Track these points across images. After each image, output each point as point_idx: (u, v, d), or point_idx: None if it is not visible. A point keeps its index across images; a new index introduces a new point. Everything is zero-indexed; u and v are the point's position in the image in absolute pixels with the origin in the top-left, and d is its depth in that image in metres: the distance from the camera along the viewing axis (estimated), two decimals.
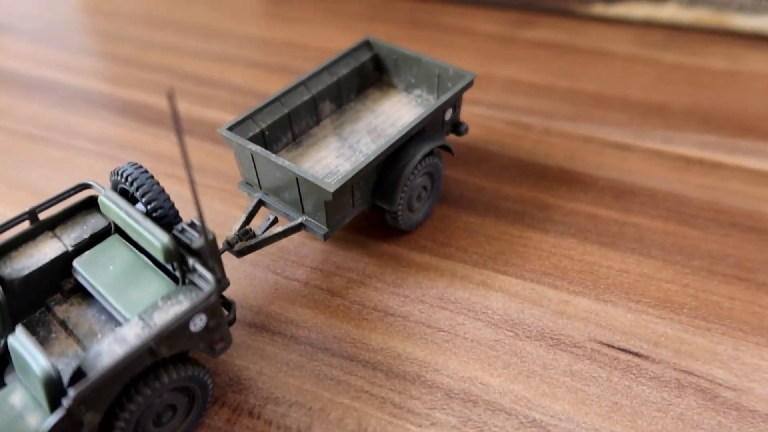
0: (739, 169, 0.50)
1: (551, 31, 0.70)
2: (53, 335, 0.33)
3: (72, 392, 0.27)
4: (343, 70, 0.48)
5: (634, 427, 0.34)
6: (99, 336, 0.32)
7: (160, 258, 0.31)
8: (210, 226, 0.46)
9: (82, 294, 0.34)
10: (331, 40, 0.70)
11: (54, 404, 0.27)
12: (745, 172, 0.50)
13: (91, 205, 0.36)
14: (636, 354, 0.37)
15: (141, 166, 0.35)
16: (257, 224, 0.45)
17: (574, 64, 0.64)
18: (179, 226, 0.32)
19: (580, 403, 0.35)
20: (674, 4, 0.68)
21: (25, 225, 0.35)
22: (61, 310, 0.34)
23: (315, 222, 0.40)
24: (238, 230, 0.39)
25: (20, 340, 0.28)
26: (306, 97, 0.45)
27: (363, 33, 0.70)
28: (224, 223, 0.47)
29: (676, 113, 0.57)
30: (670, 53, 0.65)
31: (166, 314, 0.30)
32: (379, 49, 0.49)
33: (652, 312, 0.40)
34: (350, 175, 0.37)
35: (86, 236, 0.35)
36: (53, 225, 0.35)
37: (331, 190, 0.36)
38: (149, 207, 0.33)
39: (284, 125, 0.44)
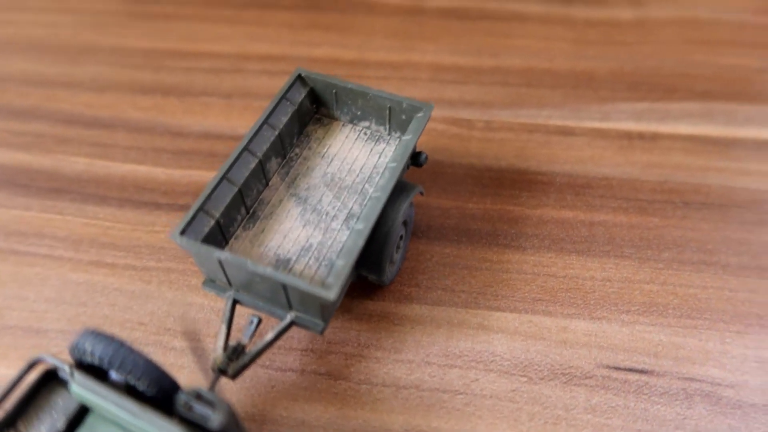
0: (676, 137, 0.52)
1: None
2: None
3: None
4: (283, 119, 0.42)
5: None
6: None
7: None
8: (173, 326, 0.41)
9: None
10: (224, 42, 0.61)
11: None
12: (681, 140, 0.52)
13: (49, 379, 0.30)
14: (641, 371, 0.39)
15: (106, 337, 0.29)
16: (236, 323, 0.40)
17: (493, 36, 0.61)
18: (182, 402, 0.28)
19: None
20: None
21: None
22: None
23: (308, 318, 0.36)
24: (224, 347, 0.35)
25: None
26: (253, 164, 0.39)
27: (258, 30, 0.62)
28: (190, 318, 0.42)
29: (604, 82, 0.57)
30: (579, 8, 0.64)
31: None
32: (315, 83, 0.44)
33: (644, 320, 0.41)
34: (345, 271, 0.34)
35: (62, 426, 0.29)
36: (13, 420, 0.29)
37: (333, 297, 0.32)
38: (140, 387, 0.28)
39: (237, 203, 0.39)
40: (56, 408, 0.30)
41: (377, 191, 0.38)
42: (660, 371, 0.39)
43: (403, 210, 0.39)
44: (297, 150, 0.44)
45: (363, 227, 0.36)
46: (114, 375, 0.29)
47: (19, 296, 0.43)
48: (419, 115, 0.42)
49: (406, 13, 0.65)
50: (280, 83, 0.58)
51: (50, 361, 0.30)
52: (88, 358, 0.28)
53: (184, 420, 0.27)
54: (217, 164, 0.51)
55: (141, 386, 0.28)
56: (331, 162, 0.43)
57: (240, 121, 0.55)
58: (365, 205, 0.39)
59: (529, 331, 0.41)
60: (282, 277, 0.33)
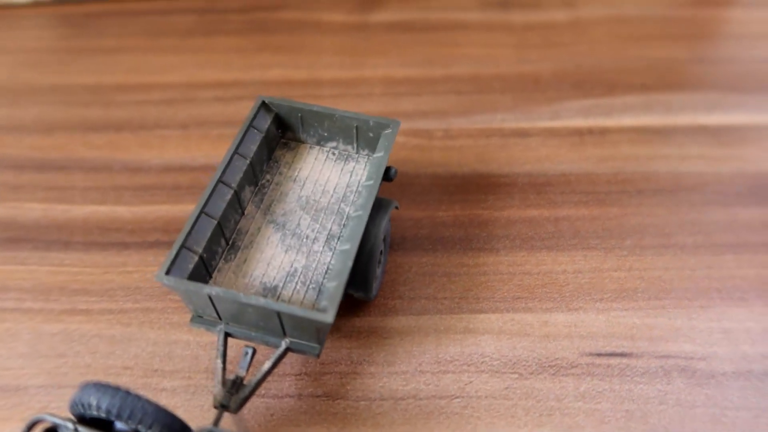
0: (622, 129, 0.55)
1: (399, 11, 0.68)
2: None
3: None
4: (252, 147, 0.42)
5: (650, 427, 0.38)
6: None
7: None
8: (161, 366, 0.40)
9: None
10: (173, 71, 0.61)
11: None
12: (627, 132, 0.55)
13: None
14: (621, 354, 0.41)
15: (110, 387, 0.28)
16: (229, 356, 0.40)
17: (439, 46, 0.63)
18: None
19: (601, 424, 0.38)
20: None
21: None
22: None
23: (303, 343, 0.36)
24: (223, 382, 0.35)
25: None
26: (229, 195, 0.39)
27: (205, 57, 0.62)
28: (176, 356, 0.41)
29: (549, 83, 0.59)
30: (516, 13, 0.67)
31: None
32: (279, 108, 0.44)
33: (617, 306, 0.44)
34: (339, 292, 0.34)
35: None
36: None
37: (330, 320, 0.33)
38: (140, 429, 0.28)
39: (217, 236, 0.38)
40: None
41: (358, 210, 0.38)
42: (638, 353, 0.41)
43: (383, 226, 0.40)
44: (268, 176, 0.44)
45: (349, 247, 0.36)
46: (120, 425, 0.29)
47: None
48: (387, 131, 0.43)
49: (353, 29, 0.66)
50: (235, 110, 0.58)
51: (51, 420, 0.29)
52: (94, 412, 0.28)
53: None
54: (182, 197, 0.50)
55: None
56: (303, 185, 0.43)
57: (199, 152, 0.54)
58: (346, 225, 0.40)
59: (513, 329, 0.42)
60: (276, 305, 0.33)
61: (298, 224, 0.41)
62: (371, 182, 0.40)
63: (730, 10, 0.68)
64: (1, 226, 0.49)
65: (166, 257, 0.36)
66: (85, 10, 0.69)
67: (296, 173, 0.44)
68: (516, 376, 0.40)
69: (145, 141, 0.55)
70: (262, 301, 0.33)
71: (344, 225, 0.40)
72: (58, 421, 0.29)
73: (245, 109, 0.57)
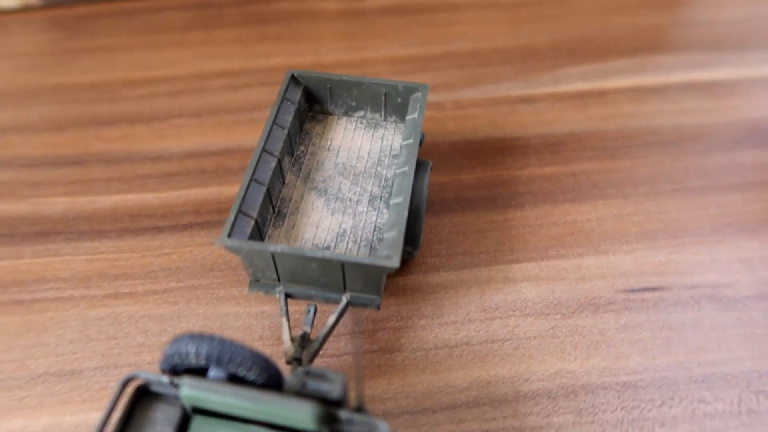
0: (621, 90, 0.58)
1: None
2: None
3: None
4: (288, 118, 0.43)
5: (690, 350, 0.40)
6: None
7: (310, 427, 0.27)
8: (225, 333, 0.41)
9: None
10: (176, 65, 0.61)
11: None
12: (626, 92, 0.58)
13: (142, 395, 0.30)
14: (653, 289, 0.44)
15: (206, 336, 0.28)
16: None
17: (435, 27, 0.65)
18: (294, 382, 0.28)
19: (644, 351, 0.40)
20: None
21: None
22: None
23: (364, 296, 0.38)
24: (291, 339, 0.36)
25: None
26: (273, 163, 0.40)
27: (207, 49, 0.62)
28: (229, 327, 0.42)
29: (545, 53, 0.62)
30: None
31: None
32: (308, 81, 0.45)
33: (641, 247, 0.46)
34: (400, 240, 0.35)
35: None
36: None
37: (397, 265, 0.34)
38: (250, 376, 0.28)
39: (266, 203, 0.39)
40: (157, 422, 0.29)
41: (402, 167, 0.40)
42: (667, 286, 0.44)
43: (426, 182, 0.41)
44: (302, 147, 0.45)
45: (401, 200, 0.38)
46: (213, 372, 0.29)
47: (38, 344, 0.41)
48: (416, 95, 0.44)
49: (349, 15, 0.68)
50: (246, 96, 0.58)
51: (144, 377, 0.29)
52: (192, 360, 0.28)
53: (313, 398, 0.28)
54: (209, 180, 0.51)
55: (251, 376, 0.28)
56: (338, 153, 0.44)
57: (217, 137, 0.55)
58: (392, 183, 0.41)
59: (550, 275, 0.44)
60: (343, 257, 0.34)
61: (339, 189, 0.42)
62: (410, 141, 0.41)
63: None
64: (27, 221, 0.48)
65: (225, 223, 0.36)
66: (76, 13, 0.68)
67: (329, 143, 0.45)
68: (559, 316, 0.42)
69: (161, 131, 0.55)
70: (328, 254, 0.35)
71: (384, 186, 0.42)
72: (152, 377, 0.29)
73: (256, 95, 0.58)
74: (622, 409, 0.38)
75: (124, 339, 0.41)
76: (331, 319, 0.37)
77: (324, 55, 0.62)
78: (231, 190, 0.50)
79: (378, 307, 0.38)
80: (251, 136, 0.54)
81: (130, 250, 0.46)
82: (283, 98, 0.44)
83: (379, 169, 0.43)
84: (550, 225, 0.48)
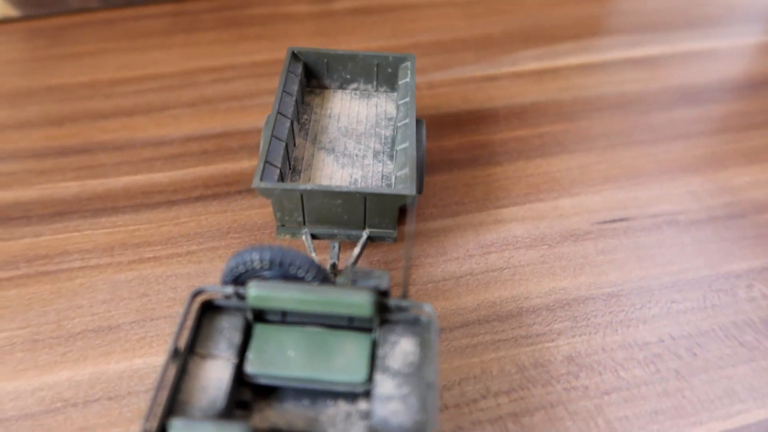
0: (570, 67, 0.66)
1: None
2: None
3: None
4: (294, 88, 0.48)
5: (658, 264, 0.47)
6: (323, 419, 0.31)
7: (366, 313, 0.31)
8: None
9: (264, 397, 0.32)
10: (164, 64, 0.65)
11: None
12: (575, 69, 0.66)
13: (206, 310, 0.33)
14: (621, 219, 0.50)
15: (265, 246, 0.32)
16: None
17: (400, 23, 0.72)
18: (344, 281, 0.32)
19: (621, 268, 0.47)
20: None
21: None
22: (259, 422, 0.31)
23: (381, 230, 0.42)
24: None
25: None
26: (288, 124, 0.45)
27: (191, 50, 0.67)
28: None
29: (501, 41, 0.70)
30: None
31: (407, 356, 0.31)
32: (307, 56, 0.50)
33: (606, 188, 0.53)
34: (414, 173, 0.40)
35: (238, 340, 0.32)
36: (192, 348, 0.31)
37: (413, 192, 0.39)
38: (308, 277, 0.32)
39: (285, 157, 0.44)
40: (224, 329, 0.32)
41: (404, 119, 0.45)
42: (633, 216, 0.51)
43: (423, 132, 0.47)
44: (305, 116, 0.49)
45: (408, 144, 0.43)
46: (267, 275, 0.33)
47: (72, 307, 0.43)
48: (404, 64, 0.50)
49: (319, 16, 0.73)
50: (235, 87, 0.62)
51: (210, 289, 0.32)
52: (256, 266, 0.32)
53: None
54: (212, 159, 0.54)
55: (308, 277, 0.32)
56: (339, 119, 0.49)
57: (214, 123, 0.58)
58: (392, 139, 0.47)
59: (533, 215, 0.50)
60: (366, 189, 0.39)
61: (345, 147, 0.47)
62: (407, 99, 0.47)
63: None
64: (41, 204, 0.50)
65: (255, 170, 0.40)
66: (54, 23, 0.71)
67: (329, 111, 0.50)
68: (546, 247, 0.48)
69: (159, 120, 0.58)
70: (352, 188, 0.39)
71: (385, 143, 0.47)
72: (217, 287, 0.32)
73: (244, 86, 0.62)
74: (609, 313, 0.44)
75: (156, 296, 0.44)
76: (356, 250, 0.41)
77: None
78: (235, 166, 0.54)
79: (395, 240, 0.42)
80: (247, 120, 0.58)
81: (148, 222, 0.49)
82: (288, 71, 0.48)
83: (377, 130, 0.48)
84: (527, 176, 0.54)
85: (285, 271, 0.32)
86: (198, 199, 0.51)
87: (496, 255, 0.47)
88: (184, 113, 0.59)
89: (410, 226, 0.30)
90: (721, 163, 0.56)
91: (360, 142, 0.47)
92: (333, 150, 0.47)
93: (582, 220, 0.50)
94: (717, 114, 0.62)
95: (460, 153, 0.56)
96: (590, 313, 0.44)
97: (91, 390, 0.39)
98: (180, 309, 0.43)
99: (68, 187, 0.52)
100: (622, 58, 0.68)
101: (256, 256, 0.32)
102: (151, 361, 0.40)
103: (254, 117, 0.59)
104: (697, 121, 0.60)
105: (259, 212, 0.50)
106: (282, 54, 0.67)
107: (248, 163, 0.54)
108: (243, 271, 0.32)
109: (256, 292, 0.31)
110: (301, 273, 0.32)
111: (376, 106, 0.51)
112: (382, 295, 0.32)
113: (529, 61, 0.67)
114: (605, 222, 0.50)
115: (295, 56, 0.50)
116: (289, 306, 0.31)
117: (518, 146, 0.57)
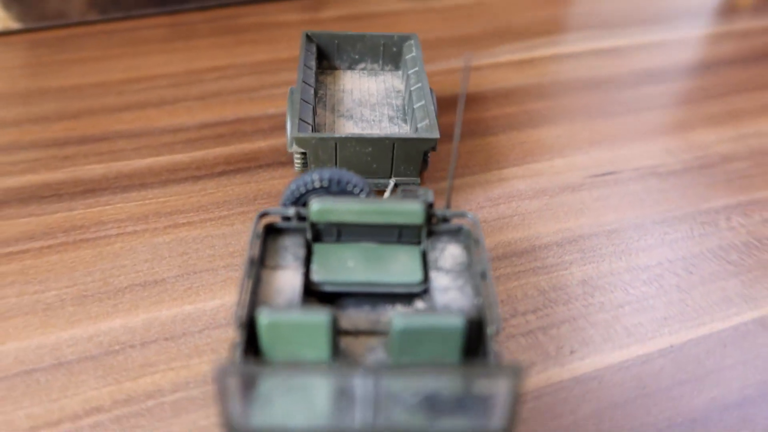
0: (544, 58, 0.73)
1: (343, 8, 0.82)
2: (347, 346, 0.33)
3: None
4: (312, 63, 0.52)
5: (647, 206, 0.53)
6: (384, 320, 0.34)
7: (418, 221, 0.35)
8: None
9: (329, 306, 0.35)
10: (169, 65, 0.68)
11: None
12: (549, 59, 0.73)
13: (270, 232, 0.36)
14: (611, 173, 0.56)
15: (324, 168, 0.36)
16: None
17: (385, 28, 0.78)
18: (392, 197, 0.36)
19: (617, 210, 0.52)
20: None
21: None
22: None
23: (406, 178, 0.46)
24: None
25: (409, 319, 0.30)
26: (311, 91, 0.49)
27: (192, 53, 0.71)
28: None
29: (480, 38, 0.77)
30: (434, 3, 0.85)
31: (456, 258, 0.35)
32: (319, 38, 0.55)
33: (593, 150, 0.59)
34: (435, 121, 0.45)
35: (302, 255, 0.35)
36: (261, 261, 0.34)
37: (438, 136, 0.43)
38: (360, 193, 0.36)
39: (311, 119, 0.47)
40: (288, 247, 0.35)
41: (417, 83, 0.50)
42: (620, 170, 0.56)
43: (434, 99, 0.52)
44: (321, 92, 0.54)
45: (423, 103, 0.48)
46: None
47: (116, 266, 0.45)
48: (408, 42, 0.55)
49: (309, 24, 0.78)
50: (241, 83, 0.66)
51: (273, 210, 0.35)
52: (317, 185, 0.35)
53: None
54: (230, 140, 0.58)
55: (363, 194, 0.36)
56: (352, 93, 0.54)
57: (226, 112, 0.62)
58: (404, 106, 0.51)
59: (532, 174, 0.56)
60: (396, 135, 0.43)
61: (362, 114, 0.51)
62: (416, 69, 0.52)
63: None
64: (71, 184, 0.52)
65: (291, 125, 0.44)
66: (55, 35, 0.73)
67: (341, 87, 0.54)
68: (547, 197, 0.53)
69: (172, 112, 0.61)
70: (383, 134, 0.43)
71: (397, 110, 0.51)
72: (281, 210, 0.36)
73: (249, 81, 0.66)
74: (612, 245, 0.49)
75: (195, 254, 0.46)
76: (386, 195, 0.45)
77: (297, 50, 0.72)
78: (253, 145, 0.57)
79: (419, 186, 0.46)
80: (256, 109, 0.62)
81: (176, 194, 0.52)
82: (305, 50, 0.53)
83: (388, 100, 0.53)
84: (521, 143, 0.59)
85: (342, 189, 0.36)
86: (221, 173, 0.54)
87: (504, 206, 0.52)
88: (195, 105, 0.63)
89: (455, 143, 0.34)
90: (689, 127, 0.63)
91: (374, 110, 0.52)
92: (351, 117, 0.51)
93: (576, 176, 0.56)
94: (679, 89, 0.69)
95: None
96: (595, 246, 0.49)
97: (147, 333, 0.41)
98: (221, 262, 0.46)
99: (94, 169, 0.54)
100: (589, 49, 0.76)
101: (316, 176, 0.35)
102: (200, 306, 0.43)
103: (263, 106, 0.63)
104: (663, 95, 0.68)
105: (281, 182, 0.53)
106: (280, 54, 0.71)
107: (264, 143, 0.58)
108: (303, 192, 0.36)
109: (318, 206, 0.35)
110: (356, 190, 0.36)
111: (384, 81, 0.55)
112: (428, 207, 0.36)
113: (507, 54, 0.74)
114: (596, 176, 0.56)
115: (308, 38, 0.55)
116: (348, 218, 0.35)
117: (509, 120, 0.62)
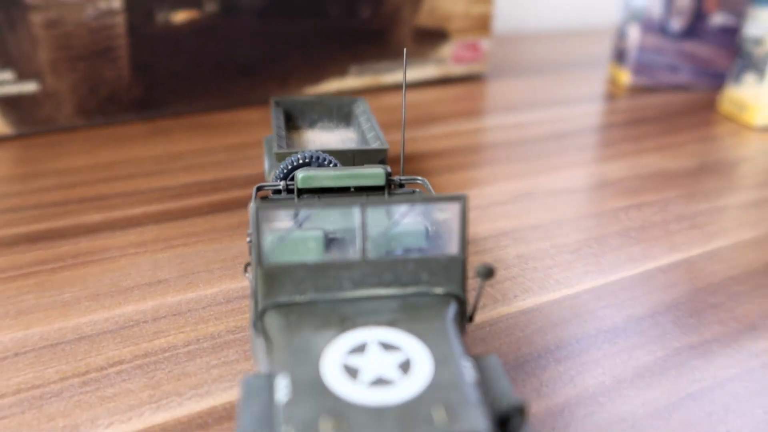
0: (467, 131, 0.89)
1: None
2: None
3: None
4: (281, 124, 0.64)
5: (558, 211, 0.64)
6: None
7: (380, 182, 0.45)
8: None
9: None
10: (142, 151, 0.79)
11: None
12: (470, 132, 0.89)
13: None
14: (530, 193, 0.68)
15: (308, 151, 0.47)
16: None
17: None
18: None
19: (537, 213, 0.64)
20: (351, 76, 1.05)
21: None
22: None
23: None
24: None
25: None
26: (283, 134, 0.60)
27: (167, 147, 0.82)
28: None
29: (412, 122, 0.92)
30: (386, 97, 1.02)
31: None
32: (285, 104, 0.68)
33: (512, 181, 0.72)
34: (383, 138, 0.57)
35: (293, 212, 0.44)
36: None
37: (387, 147, 0.55)
38: (330, 165, 0.46)
39: (285, 144, 0.58)
40: (281, 214, 0.44)
41: (366, 124, 0.62)
42: (536, 191, 0.69)
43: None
44: (289, 142, 0.65)
45: (374, 133, 0.60)
46: None
47: (122, 275, 0.52)
48: (356, 104, 0.69)
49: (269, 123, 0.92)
50: (216, 158, 0.77)
51: (267, 185, 0.45)
52: (302, 161, 0.45)
53: None
54: (214, 192, 0.67)
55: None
56: (314, 142, 0.66)
57: (206, 176, 0.72)
58: (363, 131, 0.63)
59: (470, 194, 0.67)
60: (355, 147, 0.55)
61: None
62: (366, 115, 0.64)
63: None
64: (73, 228, 0.59)
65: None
66: (46, 139, 0.84)
67: (305, 139, 0.66)
68: (480, 210, 0.64)
69: (159, 179, 0.71)
70: (344, 147, 0.55)
71: None
72: (272, 184, 0.45)
73: (224, 156, 0.78)
74: (537, 234, 0.59)
75: (192, 262, 0.54)
76: None
77: (263, 136, 0.85)
78: (233, 194, 0.67)
79: None
80: (233, 173, 0.73)
81: (170, 228, 0.60)
82: (275, 112, 0.65)
83: (344, 144, 0.65)
84: (456, 181, 0.72)
85: (320, 164, 0.46)
86: (208, 212, 0.63)
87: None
88: (178, 173, 0.73)
89: (403, 127, 0.46)
90: (589, 163, 0.78)
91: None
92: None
93: (501, 196, 0.68)
94: (579, 143, 0.85)
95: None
96: (524, 236, 0.59)
97: (156, 313, 0.47)
98: (215, 266, 0.53)
99: (93, 218, 0.62)
100: (503, 123, 0.92)
101: (301, 155, 0.46)
102: (202, 293, 0.50)
103: (238, 170, 0.73)
104: (568, 146, 0.83)
105: None
106: (248, 139, 0.84)
107: (242, 192, 0.68)
108: (290, 167, 0.46)
109: (303, 174, 0.45)
110: (331, 165, 0.46)
111: (339, 134, 0.68)
112: (387, 174, 0.47)
113: (437, 129, 0.89)
114: (518, 195, 0.68)
115: (277, 103, 0.67)
116: (327, 183, 0.45)
117: (443, 169, 0.75)
